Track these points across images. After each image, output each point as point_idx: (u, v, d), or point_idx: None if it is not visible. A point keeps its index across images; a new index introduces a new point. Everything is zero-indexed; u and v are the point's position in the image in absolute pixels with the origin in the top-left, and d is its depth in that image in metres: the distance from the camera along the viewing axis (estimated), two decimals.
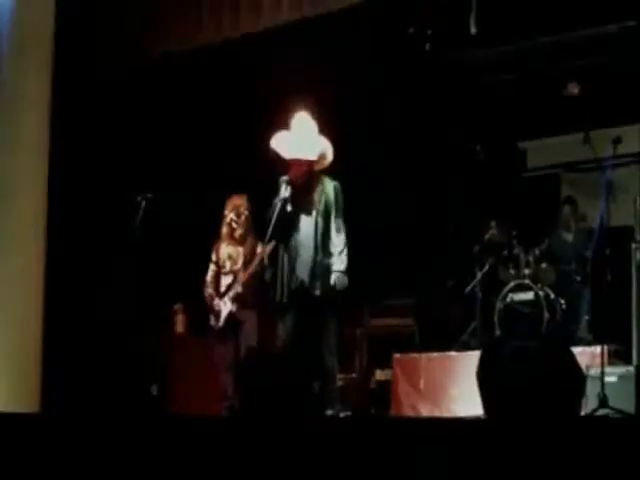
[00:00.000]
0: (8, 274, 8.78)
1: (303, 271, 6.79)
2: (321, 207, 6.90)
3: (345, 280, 6.85)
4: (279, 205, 6.82)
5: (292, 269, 6.82)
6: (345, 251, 6.89)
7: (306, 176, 6.95)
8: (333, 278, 6.80)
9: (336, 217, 6.92)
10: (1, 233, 8.84)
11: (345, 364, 8.20)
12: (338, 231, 6.92)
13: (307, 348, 6.64)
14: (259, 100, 9.82)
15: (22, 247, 8.85)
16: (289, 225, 6.89)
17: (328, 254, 6.87)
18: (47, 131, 9.05)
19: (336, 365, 6.85)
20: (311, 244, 6.83)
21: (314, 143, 6.99)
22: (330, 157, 7.04)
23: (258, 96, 9.88)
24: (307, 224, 6.89)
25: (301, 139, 6.97)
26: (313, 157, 6.97)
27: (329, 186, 6.98)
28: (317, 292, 6.76)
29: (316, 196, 6.92)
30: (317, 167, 7.04)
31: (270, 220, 6.83)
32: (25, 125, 8.94)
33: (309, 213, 6.90)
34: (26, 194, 8.90)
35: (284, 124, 7.10)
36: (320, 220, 6.88)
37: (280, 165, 7.05)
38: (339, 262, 6.85)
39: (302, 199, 6.94)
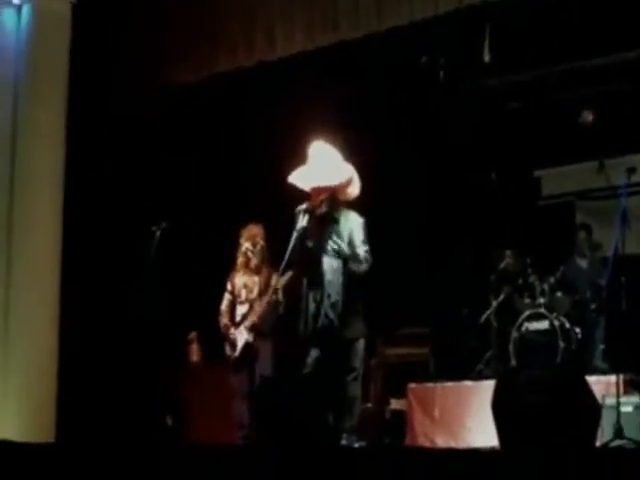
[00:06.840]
0: (24, 307, 8.83)
1: (332, 311, 6.62)
2: (345, 242, 6.72)
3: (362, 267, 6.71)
4: (295, 235, 6.72)
5: (318, 306, 6.65)
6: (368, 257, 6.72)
7: (327, 204, 6.78)
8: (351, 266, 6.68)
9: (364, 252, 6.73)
10: (17, 273, 8.91)
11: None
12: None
13: (329, 379, 6.57)
14: (274, 129, 9.86)
15: (37, 280, 8.90)
16: (310, 257, 6.76)
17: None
18: (62, 164, 9.13)
19: (359, 394, 6.79)
20: (338, 283, 6.67)
21: (335, 170, 6.79)
22: (357, 186, 6.84)
23: (273, 125, 9.92)
24: (333, 260, 6.72)
25: (319, 167, 6.80)
26: (333, 183, 6.76)
27: (355, 222, 6.82)
28: (346, 334, 6.69)
29: (344, 232, 6.75)
30: (343, 197, 6.85)
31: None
32: (40, 158, 9.02)
33: (334, 248, 6.73)
34: (42, 229, 8.96)
35: (300, 153, 7.05)
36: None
37: (301, 196, 6.93)
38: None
39: (325, 231, 6.79)
